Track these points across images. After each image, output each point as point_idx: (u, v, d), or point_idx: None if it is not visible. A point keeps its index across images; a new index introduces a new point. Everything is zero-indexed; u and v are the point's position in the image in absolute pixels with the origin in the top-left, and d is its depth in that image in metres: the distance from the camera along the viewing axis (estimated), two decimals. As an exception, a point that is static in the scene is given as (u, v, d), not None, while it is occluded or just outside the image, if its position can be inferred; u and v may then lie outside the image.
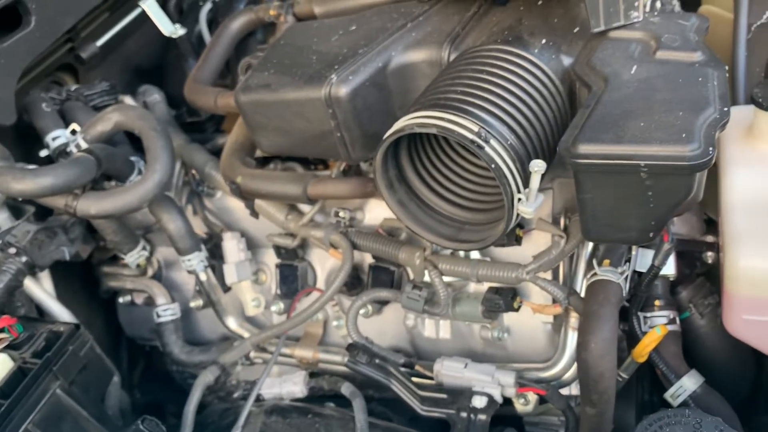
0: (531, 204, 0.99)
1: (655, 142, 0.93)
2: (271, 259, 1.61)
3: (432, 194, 1.19)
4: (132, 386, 1.88)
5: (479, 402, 1.22)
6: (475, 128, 0.99)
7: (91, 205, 1.33)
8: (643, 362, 1.26)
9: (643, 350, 1.20)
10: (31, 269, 1.46)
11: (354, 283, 1.47)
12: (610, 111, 1.01)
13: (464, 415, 1.23)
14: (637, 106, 1.00)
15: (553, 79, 1.11)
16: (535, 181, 0.98)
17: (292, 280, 1.54)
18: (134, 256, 1.57)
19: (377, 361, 1.31)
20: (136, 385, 1.90)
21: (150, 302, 1.68)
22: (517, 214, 1.02)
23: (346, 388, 1.34)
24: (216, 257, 1.59)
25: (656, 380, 1.47)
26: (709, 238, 1.35)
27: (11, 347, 1.22)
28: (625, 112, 1.00)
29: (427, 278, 1.34)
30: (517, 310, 1.27)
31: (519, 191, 1.00)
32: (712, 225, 1.36)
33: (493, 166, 0.98)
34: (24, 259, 1.44)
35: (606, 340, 1.06)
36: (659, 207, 1.00)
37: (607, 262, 1.16)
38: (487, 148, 0.98)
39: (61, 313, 1.51)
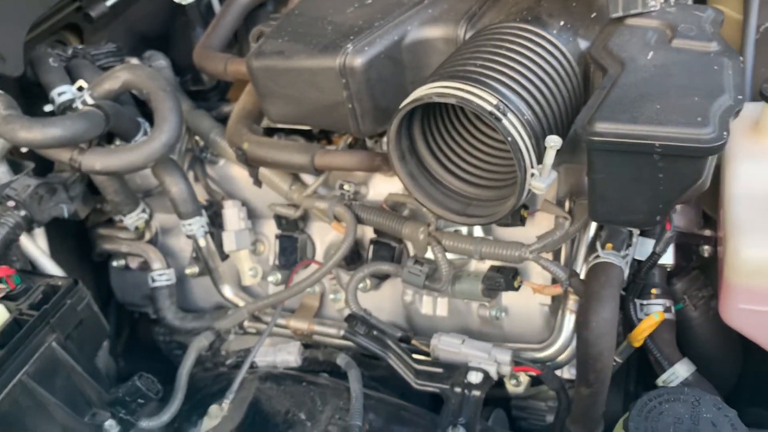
0: (544, 179, 1.00)
1: (671, 124, 0.95)
2: (270, 230, 1.61)
3: (442, 169, 1.20)
4: (116, 354, 1.86)
5: (475, 377, 1.22)
6: (494, 101, 1.00)
7: (96, 161, 1.32)
8: (634, 351, 1.29)
9: (639, 334, 1.22)
10: (29, 224, 1.44)
11: (353, 258, 1.48)
12: (626, 93, 1.02)
13: (458, 390, 1.24)
14: (654, 90, 1.02)
15: (570, 60, 1.13)
16: (549, 156, 0.99)
17: (291, 251, 1.54)
18: (133, 218, 1.56)
19: (375, 333, 1.31)
20: (121, 354, 1.89)
21: (145, 267, 1.67)
22: (528, 190, 1.04)
23: (341, 359, 1.34)
24: (215, 225, 1.58)
25: (642, 373, 1.50)
26: (707, 232, 1.37)
27: (8, 298, 1.21)
28: (642, 95, 1.01)
29: (428, 255, 1.35)
30: (517, 289, 1.28)
31: (532, 166, 1.01)
32: (708, 220, 1.39)
33: (509, 139, 0.99)
34: (23, 213, 1.42)
35: (607, 320, 1.07)
36: (669, 191, 1.01)
37: (609, 245, 1.18)
38: (505, 121, 0.99)
39: (55, 271, 1.50)
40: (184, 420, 1.27)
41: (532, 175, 1.01)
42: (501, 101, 1.00)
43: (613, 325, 1.09)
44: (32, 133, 1.24)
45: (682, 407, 0.91)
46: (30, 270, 1.47)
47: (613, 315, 1.09)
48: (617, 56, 1.10)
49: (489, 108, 0.99)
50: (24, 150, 1.40)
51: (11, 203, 1.43)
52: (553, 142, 0.97)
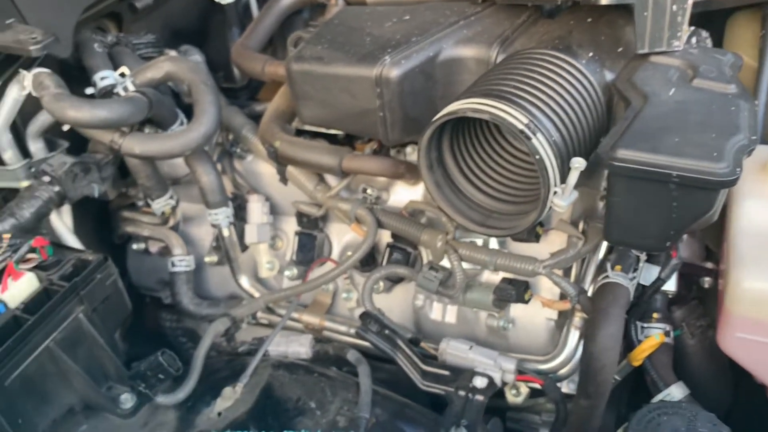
0: (565, 198, 1.07)
1: (689, 157, 1.02)
2: (290, 227, 1.67)
3: (466, 181, 1.26)
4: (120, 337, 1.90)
5: (480, 382, 1.28)
6: (525, 120, 1.06)
7: (136, 145, 1.38)
8: (629, 373, 1.35)
9: (640, 354, 1.28)
10: (61, 200, 1.50)
11: (368, 261, 1.54)
12: (648, 125, 1.09)
13: (462, 393, 1.29)
14: (674, 124, 1.08)
15: (597, 89, 1.20)
16: (573, 176, 1.05)
17: (309, 248, 1.60)
18: (161, 203, 1.62)
19: (387, 332, 1.37)
20: (123, 337, 1.93)
21: (165, 252, 1.72)
22: (549, 207, 1.10)
23: (351, 355, 1.39)
24: (238, 218, 1.64)
25: (633, 397, 1.56)
26: (708, 265, 1.44)
27: (39, 268, 1.26)
28: (662, 127, 1.08)
29: (444, 262, 1.41)
30: (527, 302, 1.34)
31: (555, 185, 1.08)
32: (710, 254, 1.45)
33: (537, 157, 1.05)
34: (57, 188, 1.48)
35: (612, 336, 1.14)
36: (681, 219, 1.08)
37: (618, 267, 1.24)
38: (534, 140, 1.05)
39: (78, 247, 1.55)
40: (198, 399, 1.31)
41: (555, 193, 1.08)
42: (532, 121, 1.07)
43: (618, 341, 1.15)
44: (81, 113, 1.30)
45: (679, 420, 0.96)
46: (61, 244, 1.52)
47: (619, 332, 1.15)
48: (641, 90, 1.16)
49: (520, 126, 1.06)
50: (66, 128, 1.45)
51: (46, 178, 1.49)
52: (578, 163, 1.04)
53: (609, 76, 1.23)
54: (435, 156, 1.22)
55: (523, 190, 1.25)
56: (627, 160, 1.04)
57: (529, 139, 1.05)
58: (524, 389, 1.45)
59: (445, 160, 1.25)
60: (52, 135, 1.61)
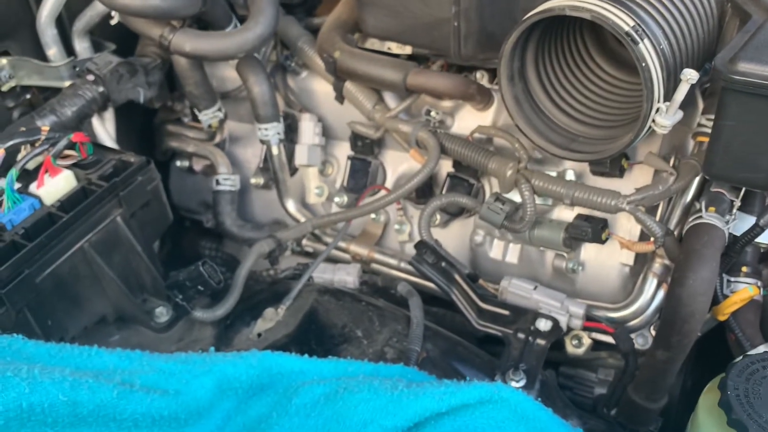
0: (670, 117, 0.93)
1: (826, 72, 0.87)
2: (341, 152, 1.56)
3: (549, 101, 1.14)
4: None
5: (544, 325, 1.17)
6: (631, 22, 0.92)
7: (186, 41, 1.27)
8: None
9: (728, 307, 1.15)
10: (105, 101, 1.41)
11: (425, 191, 1.42)
12: (774, 38, 0.94)
13: (522, 336, 1.18)
14: (805, 38, 0.93)
15: (711, 1, 1.05)
16: (682, 91, 0.92)
17: (362, 175, 1.49)
18: (209, 115, 1.52)
19: (443, 264, 1.26)
20: (161, 263, 1.86)
21: (209, 171, 1.64)
22: (649, 127, 0.96)
23: (402, 287, 1.29)
24: (287, 139, 1.54)
25: (698, 367, 1.43)
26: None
27: (78, 166, 1.18)
28: (791, 41, 0.93)
29: (511, 195, 1.28)
30: (604, 241, 1.21)
31: (659, 101, 0.94)
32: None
33: (643, 64, 0.91)
34: (101, 89, 1.40)
35: (705, 280, 1.00)
36: (802, 150, 0.94)
37: (712, 209, 1.10)
38: (641, 45, 0.91)
39: (120, 156, 1.47)
40: (237, 318, 1.23)
41: (658, 110, 0.94)
42: (638, 24, 0.93)
43: (711, 286, 1.02)
44: (132, -1, 1.20)
45: (789, 376, 0.84)
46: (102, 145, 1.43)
47: (713, 276, 1.02)
48: (763, 3, 1.01)
49: (626, 28, 0.92)
50: (113, 22, 1.36)
51: (91, 77, 1.40)
52: (690, 75, 0.90)
53: (723, -12, 1.08)
54: (517, 67, 1.09)
55: (612, 114, 1.12)
56: (747, 73, 0.89)
57: (636, 43, 0.91)
58: (587, 340, 1.33)
59: (527, 73, 1.12)
60: (100, 36, 1.53)
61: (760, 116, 0.93)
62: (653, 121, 0.95)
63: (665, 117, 0.93)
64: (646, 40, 0.92)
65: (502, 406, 0.91)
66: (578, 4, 0.95)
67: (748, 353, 1.12)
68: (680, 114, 0.95)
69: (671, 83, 0.95)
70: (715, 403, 0.84)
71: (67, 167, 1.15)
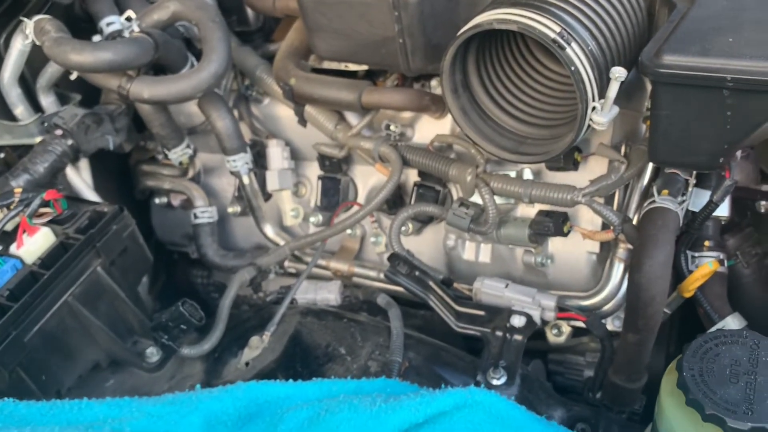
0: (605, 114, 0.97)
1: (745, 58, 0.91)
2: (312, 172, 1.60)
3: (494, 106, 1.17)
4: (152, 296, 1.88)
5: (518, 321, 1.21)
6: (557, 29, 0.96)
7: (144, 89, 1.31)
8: (678, 307, 1.26)
9: (691, 284, 1.19)
10: (75, 153, 1.45)
11: (395, 202, 1.46)
12: (696, 27, 0.98)
13: (500, 333, 1.22)
14: (726, 24, 0.97)
15: (637, -6, 1.08)
16: (613, 89, 0.95)
17: (333, 193, 1.53)
18: (178, 153, 1.56)
19: (417, 273, 1.30)
20: (156, 296, 1.90)
21: (187, 205, 1.68)
22: (588, 126, 1.00)
23: (381, 299, 1.33)
24: (258, 166, 1.58)
25: (682, 335, 1.47)
26: (764, 188, 1.32)
27: (55, 222, 1.21)
28: (713, 28, 0.97)
29: (475, 198, 1.32)
30: (566, 234, 1.25)
31: (594, 99, 0.98)
32: (765, 177, 1.34)
33: (572, 68, 0.95)
34: (70, 142, 1.43)
35: (661, 264, 1.04)
36: (735, 131, 0.97)
37: (665, 191, 1.14)
38: (568, 50, 0.95)
39: (99, 203, 1.51)
40: (225, 350, 1.27)
41: (593, 108, 0.98)
42: (564, 29, 0.96)
43: (668, 269, 1.05)
44: (83, 55, 1.24)
45: (740, 350, 0.87)
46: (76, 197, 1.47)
47: (668, 259, 1.05)
48: (687, -9, 1.05)
49: (552, 35, 0.95)
50: (73, 77, 1.40)
51: (59, 132, 1.44)
52: (618, 73, 0.94)
53: (649, -21, 1.12)
54: (460, 79, 1.13)
55: (557, 113, 1.16)
56: (673, 66, 0.93)
57: (562, 49, 0.95)
58: (566, 328, 1.37)
59: (471, 83, 1.15)
60: (65, 89, 1.56)
61: (691, 104, 0.96)
62: (591, 119, 0.99)
63: (601, 115, 0.97)
64: (573, 44, 0.96)
65: (476, 409, 0.95)
66: (505, 17, 0.98)
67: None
68: (616, 110, 0.99)
69: (604, 81, 0.98)
70: (674, 385, 0.87)
71: (44, 224, 1.19)
